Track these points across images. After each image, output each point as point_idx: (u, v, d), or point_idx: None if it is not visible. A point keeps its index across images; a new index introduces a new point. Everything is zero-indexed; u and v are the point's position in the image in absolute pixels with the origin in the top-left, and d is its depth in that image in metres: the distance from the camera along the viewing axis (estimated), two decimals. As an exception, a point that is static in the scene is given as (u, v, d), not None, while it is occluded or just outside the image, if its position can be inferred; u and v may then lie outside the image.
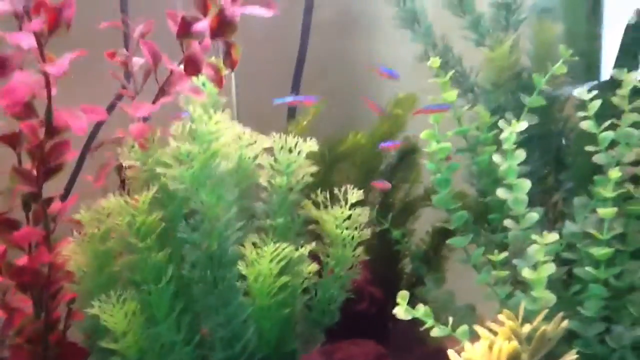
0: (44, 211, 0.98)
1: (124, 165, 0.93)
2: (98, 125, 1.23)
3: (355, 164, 1.35)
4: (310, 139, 1.02)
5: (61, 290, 1.03)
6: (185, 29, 0.81)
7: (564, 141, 1.20)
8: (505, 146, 0.97)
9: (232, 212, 0.90)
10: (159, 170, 0.87)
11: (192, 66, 0.85)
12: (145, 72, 1.05)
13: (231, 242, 0.91)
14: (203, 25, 0.81)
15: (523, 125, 0.97)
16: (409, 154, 1.39)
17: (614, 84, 1.02)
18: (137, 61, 1.05)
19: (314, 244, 1.02)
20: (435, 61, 1.12)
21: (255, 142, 1.04)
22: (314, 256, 1.05)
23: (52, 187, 1.01)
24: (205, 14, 0.84)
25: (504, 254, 1.04)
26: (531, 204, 1.04)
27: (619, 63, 1.08)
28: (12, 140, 0.95)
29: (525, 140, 1.08)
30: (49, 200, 0.99)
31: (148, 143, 0.92)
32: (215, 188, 0.87)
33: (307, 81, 1.46)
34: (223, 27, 0.81)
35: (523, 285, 1.06)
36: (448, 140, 1.11)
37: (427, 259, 1.37)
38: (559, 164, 1.19)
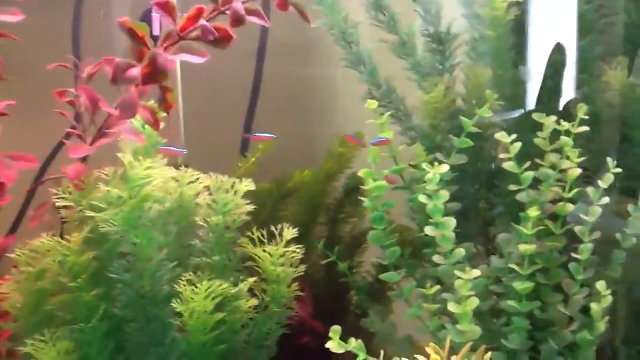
0: (-20, 250, 1.00)
1: (57, 205, 0.96)
2: (46, 163, 1.27)
3: (301, 200, 1.39)
4: (248, 179, 1.06)
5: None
6: (118, 75, 0.85)
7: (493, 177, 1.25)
8: (429, 187, 1.02)
9: (163, 253, 0.93)
10: (89, 213, 0.90)
11: (127, 110, 0.88)
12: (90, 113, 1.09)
13: (164, 281, 0.94)
14: (136, 71, 0.85)
15: (444, 167, 1.03)
16: (355, 190, 1.43)
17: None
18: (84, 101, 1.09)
19: (252, 280, 1.05)
20: (372, 103, 1.17)
21: (197, 180, 1.07)
22: (253, 292, 1.09)
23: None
24: (140, 60, 0.88)
25: (436, 288, 1.08)
26: (468, 237, 1.09)
27: (542, 95, 1.14)
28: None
29: (460, 176, 1.14)
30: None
31: (83, 184, 0.95)
32: (146, 230, 0.90)
33: (261, 115, 1.50)
34: (155, 73, 0.85)
35: (453, 318, 1.11)
36: (385, 178, 1.15)
37: (372, 292, 1.41)
38: (489, 199, 1.24)
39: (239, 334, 1.05)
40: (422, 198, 1.03)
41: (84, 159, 0.98)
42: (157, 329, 0.94)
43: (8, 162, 0.91)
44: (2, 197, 0.95)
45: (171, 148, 1.06)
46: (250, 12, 0.89)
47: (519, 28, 1.18)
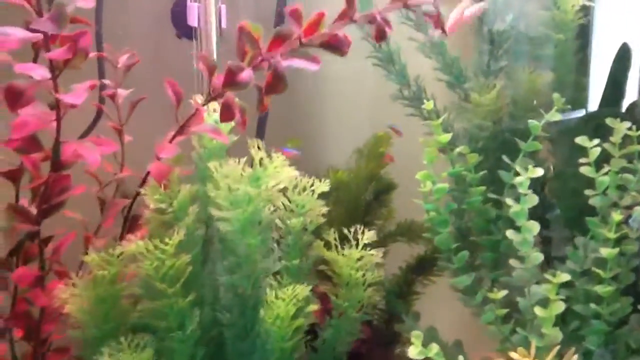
0: (41, 251, 0.91)
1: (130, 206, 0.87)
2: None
3: (341, 203, 1.34)
4: (326, 180, 1.01)
5: (51, 336, 0.95)
6: (231, 79, 0.78)
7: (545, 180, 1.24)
8: (520, 190, 1.00)
9: (270, 254, 0.88)
10: (213, 212, 0.83)
11: (227, 113, 0.82)
12: (131, 104, 1.01)
13: (264, 285, 0.88)
14: (247, 74, 0.78)
15: (539, 171, 1.01)
16: (384, 192, 1.41)
17: (600, 119, 1.08)
18: (122, 93, 1.01)
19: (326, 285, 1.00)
20: (429, 104, 1.14)
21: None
22: (319, 296, 1.04)
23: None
24: (244, 60, 0.81)
25: (503, 292, 1.06)
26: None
27: (606, 95, 1.14)
28: (14, 174, 0.88)
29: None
30: (47, 240, 0.92)
31: (168, 184, 0.88)
32: (262, 231, 0.84)
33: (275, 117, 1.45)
34: (277, 83, 0.78)
35: (519, 323, 1.10)
36: (443, 181, 1.13)
37: (401, 293, 1.39)
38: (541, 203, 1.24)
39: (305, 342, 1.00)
40: (509, 201, 1.01)
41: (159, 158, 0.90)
42: (255, 335, 0.87)
43: (91, 146, 0.83)
44: (71, 188, 0.86)
45: (286, 150, 1.00)
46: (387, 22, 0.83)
47: (583, 30, 1.18)
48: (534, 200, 1.00)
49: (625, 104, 1.14)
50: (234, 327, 0.87)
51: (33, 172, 0.87)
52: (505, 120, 1.27)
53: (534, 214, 1.25)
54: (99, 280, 0.85)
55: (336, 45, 0.78)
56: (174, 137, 0.89)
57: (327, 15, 0.81)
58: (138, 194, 0.90)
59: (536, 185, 1.24)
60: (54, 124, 0.85)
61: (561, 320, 1.09)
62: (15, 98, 0.78)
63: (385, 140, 1.37)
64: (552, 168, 1.22)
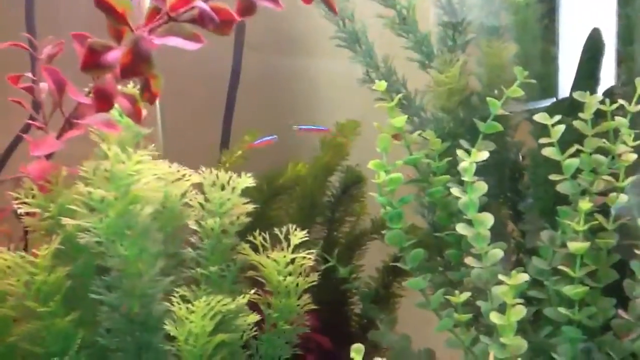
0: None
1: (18, 212, 0.77)
2: (2, 161, 1.08)
3: (295, 197, 1.24)
4: (246, 174, 0.90)
5: None
6: (92, 60, 0.66)
7: (518, 168, 1.11)
8: (465, 178, 0.87)
9: (157, 267, 0.76)
10: (64, 220, 0.72)
11: (103, 100, 0.71)
12: (54, 102, 0.92)
13: (156, 302, 0.77)
14: (114, 55, 0.67)
15: (484, 155, 0.88)
16: (353, 185, 1.29)
17: (571, 104, 0.94)
18: (46, 87, 0.92)
19: (252, 292, 0.89)
20: (381, 84, 1.02)
21: (183, 177, 0.90)
22: (253, 305, 0.93)
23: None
24: (119, 41, 0.70)
25: (466, 295, 0.93)
26: (493, 236, 0.95)
27: (578, 83, 1.01)
28: None
29: (478, 168, 1.00)
30: None
31: (51, 185, 0.77)
32: (136, 240, 0.73)
33: (241, 107, 1.34)
34: (138, 63, 0.66)
35: (486, 328, 0.96)
36: (398, 170, 1.00)
37: (378, 299, 1.27)
38: (514, 193, 1.10)
39: (240, 357, 0.89)
40: (455, 192, 0.88)
41: (49, 156, 0.80)
42: (150, 357, 0.77)
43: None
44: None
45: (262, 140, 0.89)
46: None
47: (550, 12, 1.04)
48: (482, 188, 0.87)
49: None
50: (125, 352, 0.76)
51: None
52: (473, 101, 1.14)
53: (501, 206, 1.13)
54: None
55: (207, 22, 0.66)
56: (61, 132, 0.78)
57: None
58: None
59: (504, 174, 1.12)
60: None
61: (532, 328, 0.96)
62: None
63: (348, 129, 1.26)
64: (521, 157, 1.08)
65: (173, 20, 0.67)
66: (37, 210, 0.77)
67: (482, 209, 0.95)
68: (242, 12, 0.70)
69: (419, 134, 1.06)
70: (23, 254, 0.73)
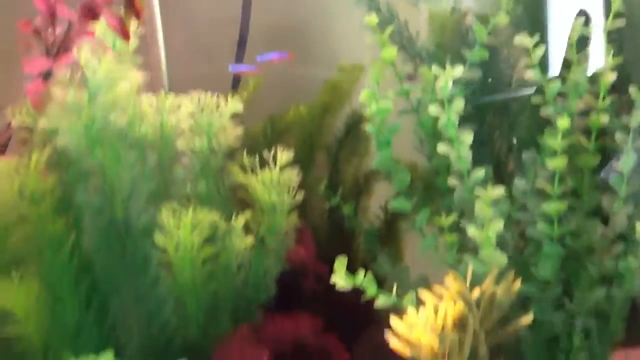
0: None
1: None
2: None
3: (298, 138, 1.27)
4: (236, 99, 0.93)
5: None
6: None
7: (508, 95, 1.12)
8: (440, 96, 0.89)
9: (137, 173, 0.81)
10: (43, 122, 0.77)
11: (89, 14, 0.75)
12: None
13: (140, 208, 0.81)
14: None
15: (458, 70, 0.89)
16: (356, 126, 1.31)
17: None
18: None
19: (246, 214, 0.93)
20: (371, 19, 1.04)
21: (179, 107, 0.94)
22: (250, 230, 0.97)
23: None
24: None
25: (452, 217, 0.96)
26: (481, 163, 0.97)
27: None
28: None
29: (472, 98, 1.01)
30: None
31: (43, 103, 0.82)
32: (113, 145, 0.77)
33: (251, 51, 1.38)
34: None
35: (475, 252, 0.99)
36: (390, 102, 1.02)
37: (381, 236, 1.30)
38: (505, 119, 1.11)
39: (233, 275, 0.93)
40: (432, 110, 0.90)
41: (46, 76, 0.85)
42: (136, 264, 0.81)
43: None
44: None
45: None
46: None
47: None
48: (459, 105, 0.89)
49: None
50: (106, 256, 0.81)
51: None
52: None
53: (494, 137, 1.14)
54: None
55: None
56: (56, 55, 0.83)
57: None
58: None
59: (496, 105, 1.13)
60: None
61: (517, 249, 0.98)
62: None
63: (348, 71, 1.28)
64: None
65: None
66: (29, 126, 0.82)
67: (475, 140, 0.97)
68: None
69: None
70: (16, 159, 0.78)
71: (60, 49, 0.84)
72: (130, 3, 0.76)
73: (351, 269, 1.40)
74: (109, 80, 0.77)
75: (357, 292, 1.12)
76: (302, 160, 1.21)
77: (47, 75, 0.84)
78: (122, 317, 0.84)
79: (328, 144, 1.30)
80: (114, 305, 0.84)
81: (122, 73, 0.78)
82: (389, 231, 1.31)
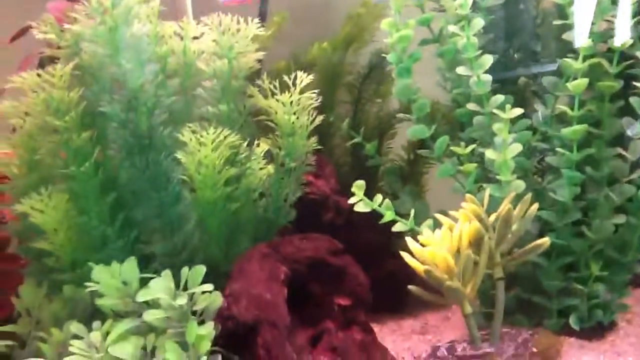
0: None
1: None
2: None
3: (321, 74, 1.27)
4: (256, 21, 0.94)
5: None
6: None
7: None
8: (459, 11, 0.89)
9: (159, 87, 0.82)
10: (68, 26, 0.78)
11: None
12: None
13: (162, 122, 0.83)
14: None
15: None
16: (378, 66, 1.31)
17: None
18: None
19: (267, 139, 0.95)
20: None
21: (202, 35, 0.95)
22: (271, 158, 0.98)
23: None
24: None
25: (472, 147, 0.96)
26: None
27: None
28: None
29: (493, 28, 1.01)
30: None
31: (67, 19, 0.83)
32: (135, 53, 0.79)
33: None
34: None
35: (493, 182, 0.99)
36: (411, 30, 1.02)
37: (403, 174, 1.30)
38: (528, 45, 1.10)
39: (254, 197, 0.95)
40: (452, 27, 0.90)
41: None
42: (159, 178, 0.83)
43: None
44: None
45: None
46: None
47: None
48: (478, 24, 0.88)
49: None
50: (130, 167, 0.83)
51: None
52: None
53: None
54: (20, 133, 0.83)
55: None
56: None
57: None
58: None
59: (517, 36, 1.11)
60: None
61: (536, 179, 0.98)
62: None
63: (373, 7, 1.28)
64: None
65: None
66: (53, 39, 0.84)
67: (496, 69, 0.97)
68: None
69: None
70: (40, 72, 0.80)
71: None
72: None
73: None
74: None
75: (374, 228, 1.14)
76: (325, 97, 1.23)
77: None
78: (145, 231, 0.87)
79: (351, 83, 1.31)
80: (138, 219, 0.86)
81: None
82: (411, 170, 1.32)
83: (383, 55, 1.29)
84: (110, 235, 0.86)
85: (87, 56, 0.81)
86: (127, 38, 0.79)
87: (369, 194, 1.40)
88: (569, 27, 0.92)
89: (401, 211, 1.19)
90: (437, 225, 0.93)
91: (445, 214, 1.12)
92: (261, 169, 0.96)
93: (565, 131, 0.89)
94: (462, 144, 0.97)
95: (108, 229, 0.86)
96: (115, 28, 0.78)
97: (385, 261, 1.14)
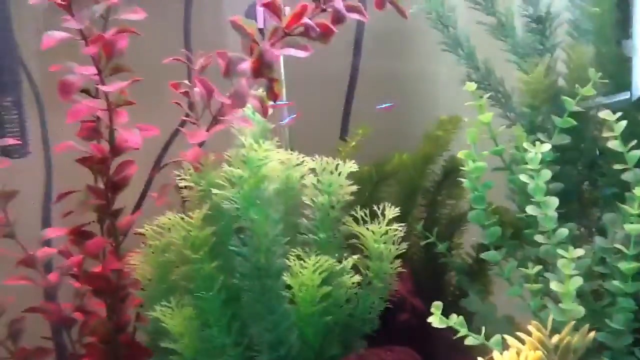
0: (112, 223, 1.10)
1: (178, 185, 1.03)
2: (164, 149, 1.35)
3: (400, 182, 1.42)
4: (351, 161, 1.10)
5: (129, 295, 1.15)
6: (229, 69, 0.91)
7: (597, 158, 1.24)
8: (530, 166, 1.03)
9: (278, 229, 1.00)
10: (213, 191, 0.97)
11: (238, 100, 0.95)
12: (204, 103, 1.16)
13: (277, 256, 1.00)
14: (246, 65, 0.91)
15: (546, 147, 1.03)
16: (453, 172, 1.45)
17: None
18: (198, 91, 1.16)
19: (356, 257, 1.10)
20: (470, 85, 1.18)
21: (302, 163, 1.12)
22: (355, 269, 1.13)
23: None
24: (250, 54, 0.94)
25: (538, 268, 1.09)
26: (571, 218, 1.09)
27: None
28: (87, 161, 1.08)
29: (562, 157, 1.14)
30: (117, 213, 1.11)
31: (202, 166, 1.02)
32: (263, 208, 0.97)
33: (358, 103, 1.54)
34: (263, 68, 0.91)
35: (555, 299, 1.11)
36: (485, 160, 1.16)
37: (471, 273, 1.42)
38: (594, 180, 1.23)
39: (343, 308, 1.11)
40: (523, 177, 1.04)
41: (200, 144, 1.06)
42: (271, 299, 1.00)
43: (135, 131, 1.00)
44: (131, 168, 1.04)
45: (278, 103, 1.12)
46: (350, 9, 0.93)
47: (623, 2, 1.15)
48: (546, 175, 1.02)
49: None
50: (252, 292, 1.01)
51: (97, 157, 1.06)
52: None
53: (582, 192, 1.25)
54: (156, 249, 1.02)
55: (311, 33, 0.88)
56: (209, 127, 1.03)
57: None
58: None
59: (584, 163, 1.24)
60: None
61: (595, 298, 1.10)
62: (66, 89, 0.96)
63: (448, 124, 1.42)
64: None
65: (288, 35, 0.90)
66: (192, 184, 1.03)
67: (560, 194, 1.10)
68: (334, 22, 0.92)
69: (508, 127, 1.21)
70: (182, 216, 0.99)
71: (213, 122, 1.04)
72: (271, 89, 0.95)
73: (442, 301, 1.54)
74: (265, 160, 0.96)
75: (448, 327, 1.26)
76: (404, 202, 1.37)
77: (201, 144, 1.04)
78: (256, 340, 1.03)
79: (426, 187, 1.45)
80: (251, 331, 1.03)
81: (274, 154, 0.98)
82: (479, 268, 1.44)
83: (460, 168, 1.44)
84: (227, 344, 1.03)
85: (218, 199, 0.99)
86: (258, 200, 0.97)
87: (440, 289, 1.52)
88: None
89: (470, 309, 1.31)
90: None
91: (511, 321, 1.25)
92: (352, 284, 1.11)
93: (622, 266, 1.01)
94: (530, 265, 1.10)
95: (225, 338, 1.03)
96: (249, 194, 0.97)
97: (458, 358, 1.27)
